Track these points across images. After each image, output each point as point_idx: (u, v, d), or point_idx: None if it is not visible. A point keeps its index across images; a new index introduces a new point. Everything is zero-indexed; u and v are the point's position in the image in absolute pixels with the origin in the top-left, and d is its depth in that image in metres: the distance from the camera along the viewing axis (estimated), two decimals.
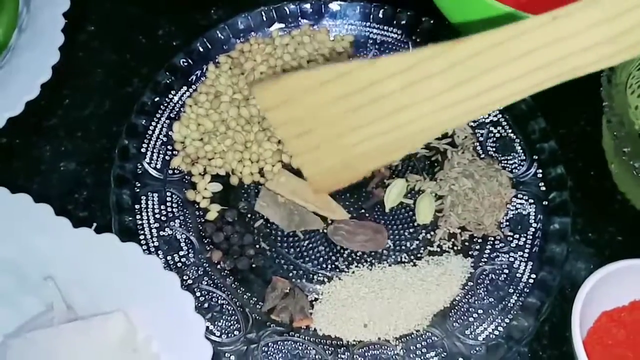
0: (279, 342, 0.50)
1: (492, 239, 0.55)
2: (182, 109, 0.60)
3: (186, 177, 0.57)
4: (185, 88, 0.61)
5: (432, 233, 0.56)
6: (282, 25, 0.65)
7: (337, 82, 0.46)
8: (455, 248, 0.55)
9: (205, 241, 0.55)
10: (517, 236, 0.55)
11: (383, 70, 0.45)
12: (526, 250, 0.54)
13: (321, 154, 0.51)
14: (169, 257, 0.53)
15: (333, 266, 0.54)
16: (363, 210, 0.57)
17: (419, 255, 0.55)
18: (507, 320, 0.51)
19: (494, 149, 0.59)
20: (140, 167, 0.57)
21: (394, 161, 0.53)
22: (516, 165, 0.58)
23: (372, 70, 0.45)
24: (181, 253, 0.54)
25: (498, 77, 0.43)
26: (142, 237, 0.54)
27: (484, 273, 0.53)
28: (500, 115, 0.60)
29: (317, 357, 0.50)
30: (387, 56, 0.45)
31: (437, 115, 0.46)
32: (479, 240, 0.55)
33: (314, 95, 0.47)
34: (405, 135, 0.48)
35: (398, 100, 0.46)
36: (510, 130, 0.59)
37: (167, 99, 0.60)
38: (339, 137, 0.49)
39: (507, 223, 0.55)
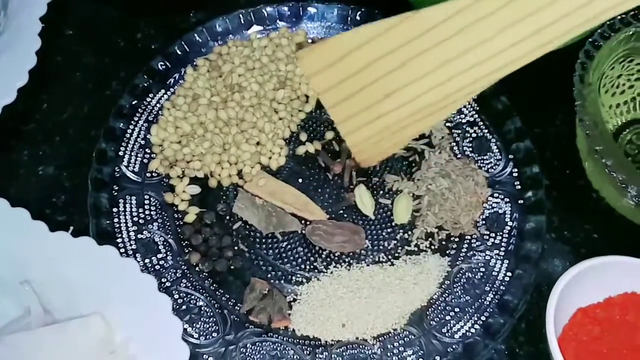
0: (257, 343, 0.51)
1: (469, 237, 0.55)
2: (160, 112, 0.60)
3: (164, 180, 0.57)
4: (163, 91, 0.62)
5: (409, 232, 0.56)
6: (260, 27, 0.65)
7: (381, 39, 0.45)
8: (432, 247, 0.55)
9: (184, 243, 0.55)
10: (493, 235, 0.55)
11: (429, 20, 0.43)
12: (502, 249, 0.55)
13: (364, 120, 0.50)
14: (147, 260, 0.53)
15: (312, 267, 0.55)
16: (341, 211, 0.57)
17: (396, 254, 0.55)
18: (483, 318, 0.52)
19: (470, 149, 0.59)
20: (118, 170, 0.57)
21: (436, 123, 0.52)
22: (492, 164, 0.58)
23: (417, 21, 0.44)
24: (159, 256, 0.54)
25: (555, 11, 0.41)
26: (119, 240, 0.54)
27: (461, 271, 0.54)
28: (476, 116, 0.61)
29: (295, 357, 0.50)
30: (431, 7, 0.43)
31: (486, 65, 0.44)
32: (456, 239, 0.56)
33: (357, 55, 0.46)
34: (450, 91, 0.46)
35: (444, 51, 0.44)
36: (486, 130, 0.60)
37: (145, 102, 0.61)
38: (383, 100, 0.48)
39: (484, 222, 0.56)
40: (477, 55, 0.44)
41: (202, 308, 0.52)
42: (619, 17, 0.55)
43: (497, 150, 0.59)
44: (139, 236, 0.54)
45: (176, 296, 0.52)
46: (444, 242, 0.55)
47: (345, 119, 0.51)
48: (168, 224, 0.56)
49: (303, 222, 0.56)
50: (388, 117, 0.49)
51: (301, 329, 0.51)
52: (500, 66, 0.44)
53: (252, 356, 0.50)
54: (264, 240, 0.56)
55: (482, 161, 0.59)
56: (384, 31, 0.45)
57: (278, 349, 0.50)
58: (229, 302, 0.53)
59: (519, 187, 0.57)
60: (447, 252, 0.55)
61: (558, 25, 0.41)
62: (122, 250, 0.53)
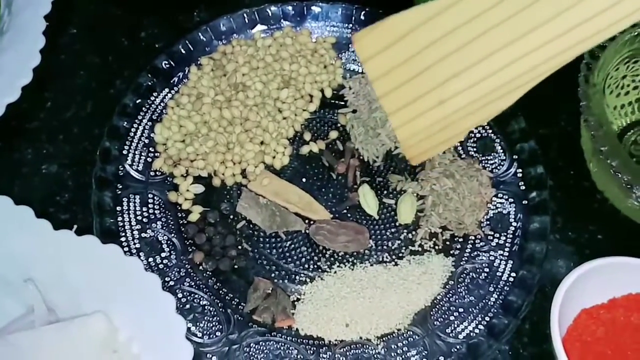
0: (261, 343, 0.51)
1: (473, 238, 0.55)
2: (164, 110, 0.60)
3: (168, 178, 0.57)
4: (167, 90, 0.61)
5: (413, 233, 0.56)
6: (265, 27, 0.65)
7: (444, 16, 0.42)
8: (436, 247, 0.55)
9: (187, 242, 0.55)
10: (497, 235, 0.55)
11: None
12: (506, 249, 0.55)
13: (417, 111, 0.47)
14: (150, 259, 0.53)
15: (315, 266, 0.54)
16: (345, 211, 0.57)
17: (400, 254, 0.55)
18: (487, 319, 0.51)
19: (474, 149, 0.59)
20: (121, 169, 0.57)
21: (493, 115, 0.47)
22: (496, 165, 0.58)
23: None
24: (163, 254, 0.54)
25: None
26: (123, 239, 0.54)
27: (465, 272, 0.54)
28: None
29: (299, 357, 0.50)
30: None
31: (558, 42, 0.41)
32: (460, 240, 0.55)
33: (415, 37, 0.43)
34: (512, 76, 0.43)
35: (514, 26, 0.41)
36: (490, 130, 0.60)
37: (149, 101, 0.61)
38: (438, 87, 0.45)
39: (488, 222, 0.56)
40: (550, 31, 0.41)
41: (206, 307, 0.52)
42: None
43: (501, 151, 0.59)
44: (143, 235, 0.54)
45: (180, 295, 0.52)
46: (448, 243, 0.55)
47: (397, 109, 0.47)
48: (172, 222, 0.55)
49: (307, 221, 0.56)
50: (447, 105, 0.46)
51: (305, 329, 0.51)
52: (576, 42, 0.41)
53: (255, 355, 0.50)
54: (267, 239, 0.56)
55: (486, 161, 0.59)
56: (448, 7, 0.42)
57: (281, 348, 0.50)
58: (233, 302, 0.53)
59: (524, 187, 0.57)
60: (451, 252, 0.55)
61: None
62: (126, 249, 0.53)
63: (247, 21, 0.64)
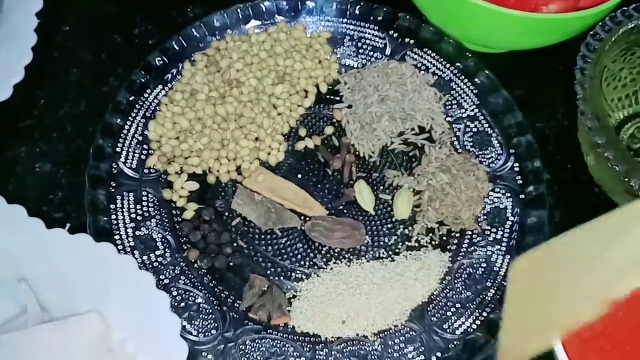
0: (256, 340, 0.50)
1: (470, 233, 0.55)
2: (157, 107, 0.60)
3: (162, 176, 0.57)
4: (160, 87, 0.61)
5: (410, 228, 0.56)
6: (259, 22, 0.64)
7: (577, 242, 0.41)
8: (433, 243, 0.55)
9: (182, 240, 0.54)
10: (494, 230, 0.55)
11: None
12: (503, 244, 0.54)
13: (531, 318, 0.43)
14: (145, 257, 0.53)
15: (311, 263, 0.54)
16: (341, 207, 0.57)
17: (397, 250, 0.55)
18: (484, 314, 0.51)
19: (471, 144, 0.59)
20: (115, 166, 0.56)
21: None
22: (493, 159, 0.58)
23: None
24: (157, 252, 0.53)
25: None
26: (117, 237, 0.53)
27: (462, 267, 0.53)
28: (477, 110, 0.60)
29: (295, 354, 0.50)
30: None
31: None
32: (457, 235, 0.55)
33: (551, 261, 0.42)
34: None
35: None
36: (487, 125, 0.59)
37: (142, 98, 0.60)
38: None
39: (485, 217, 0.55)
40: None
41: (201, 305, 0.51)
42: (621, 9, 0.55)
43: (498, 145, 0.58)
44: (137, 233, 0.54)
45: (175, 293, 0.52)
46: (444, 238, 0.55)
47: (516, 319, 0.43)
48: (166, 220, 0.55)
49: (302, 218, 0.56)
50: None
51: (301, 326, 0.51)
52: None
53: (251, 353, 0.50)
54: (263, 236, 0.55)
55: (483, 156, 0.58)
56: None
57: (277, 345, 0.50)
58: (228, 299, 0.52)
59: (520, 181, 0.56)
60: (448, 247, 0.55)
61: None
62: (120, 247, 0.53)
63: (240, 16, 0.64)
